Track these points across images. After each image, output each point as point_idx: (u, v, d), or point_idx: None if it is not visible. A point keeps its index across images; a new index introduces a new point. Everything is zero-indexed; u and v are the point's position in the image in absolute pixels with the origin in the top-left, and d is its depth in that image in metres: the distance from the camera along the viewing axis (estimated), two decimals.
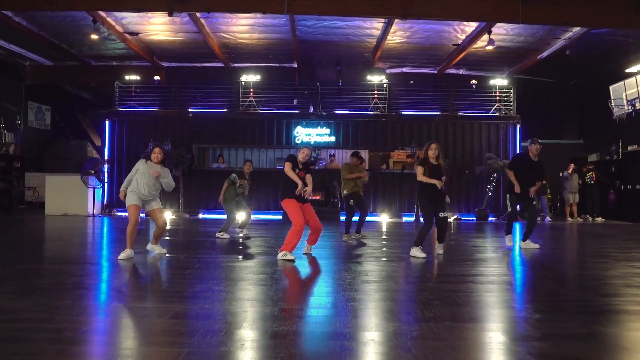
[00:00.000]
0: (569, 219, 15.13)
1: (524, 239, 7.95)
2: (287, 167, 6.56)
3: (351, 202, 8.93)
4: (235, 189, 9.35)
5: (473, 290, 4.83)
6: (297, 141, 15.76)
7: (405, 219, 15.04)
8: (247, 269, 5.95)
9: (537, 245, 7.86)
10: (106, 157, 15.74)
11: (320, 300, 4.47)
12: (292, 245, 6.37)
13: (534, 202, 8.09)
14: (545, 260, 7.03)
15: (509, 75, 17.73)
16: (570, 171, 15.23)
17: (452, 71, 18.33)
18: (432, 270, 6.02)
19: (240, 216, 9.49)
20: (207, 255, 7.11)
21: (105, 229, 11.30)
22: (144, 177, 6.47)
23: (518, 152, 15.49)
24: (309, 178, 6.69)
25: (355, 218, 9.17)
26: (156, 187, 6.61)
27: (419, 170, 6.86)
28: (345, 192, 9.02)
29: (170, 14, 11.66)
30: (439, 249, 7.11)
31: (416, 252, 6.75)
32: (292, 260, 6.27)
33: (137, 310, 4.04)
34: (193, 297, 4.42)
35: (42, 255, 7.21)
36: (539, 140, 7.85)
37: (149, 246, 6.88)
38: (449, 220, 7.00)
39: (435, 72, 18.46)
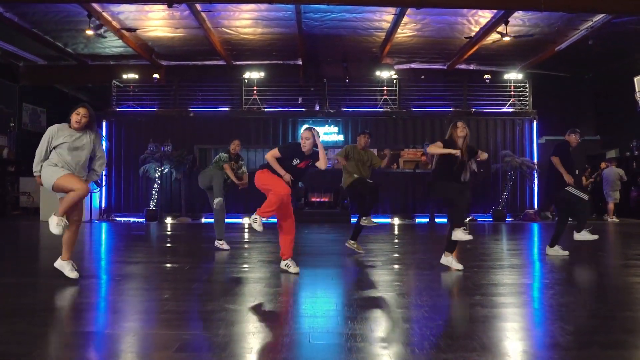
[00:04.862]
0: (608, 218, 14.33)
1: (551, 244, 6.74)
2: (271, 156, 5.37)
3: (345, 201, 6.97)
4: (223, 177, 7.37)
5: None
6: None
7: (418, 220, 14.32)
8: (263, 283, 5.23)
9: (566, 253, 6.67)
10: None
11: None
12: (269, 212, 5.28)
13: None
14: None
15: (521, 70, 17.02)
16: (604, 167, 14.46)
17: (463, 66, 17.63)
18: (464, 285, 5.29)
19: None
20: (213, 265, 6.41)
21: (103, 235, 10.59)
22: (68, 150, 4.65)
23: (536, 146, 15.13)
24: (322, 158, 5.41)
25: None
26: (85, 165, 4.84)
27: (435, 146, 5.46)
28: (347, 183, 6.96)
29: (169, 6, 10.97)
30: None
31: (451, 261, 5.60)
32: (259, 225, 5.27)
33: (139, 339, 3.32)
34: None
35: (29, 267, 6.30)
36: (578, 130, 6.93)
37: (58, 263, 4.98)
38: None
39: (445, 67, 17.75)
